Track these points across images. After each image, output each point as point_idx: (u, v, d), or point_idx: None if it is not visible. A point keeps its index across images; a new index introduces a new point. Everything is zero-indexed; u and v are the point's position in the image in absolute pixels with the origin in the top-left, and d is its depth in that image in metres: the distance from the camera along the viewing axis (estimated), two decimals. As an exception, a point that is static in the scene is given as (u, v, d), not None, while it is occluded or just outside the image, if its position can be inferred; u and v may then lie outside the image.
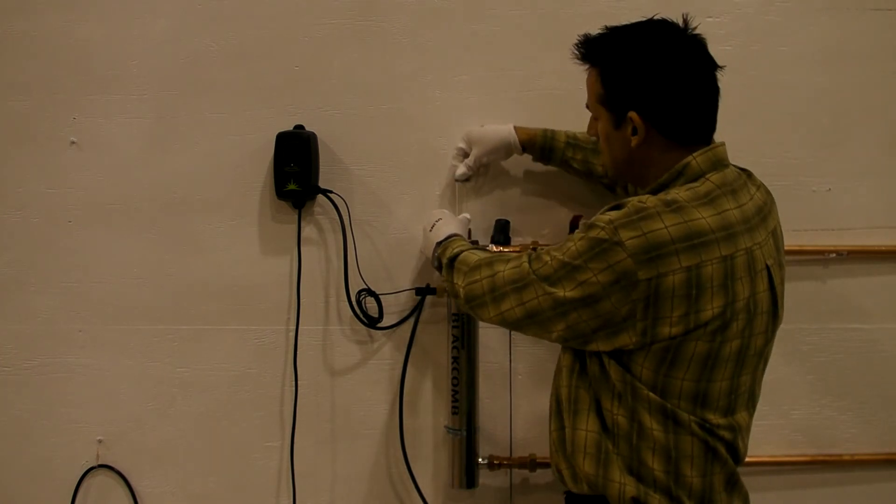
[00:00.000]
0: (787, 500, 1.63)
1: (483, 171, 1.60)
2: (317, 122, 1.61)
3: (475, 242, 1.55)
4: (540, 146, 1.51)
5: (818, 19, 1.59)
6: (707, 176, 1.13)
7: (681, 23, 1.17)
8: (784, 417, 1.61)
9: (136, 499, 1.65)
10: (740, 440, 1.17)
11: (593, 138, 1.26)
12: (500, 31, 1.60)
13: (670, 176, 1.15)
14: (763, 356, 1.18)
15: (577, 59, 1.22)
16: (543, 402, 1.31)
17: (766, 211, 1.19)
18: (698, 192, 1.11)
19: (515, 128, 1.52)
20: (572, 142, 1.51)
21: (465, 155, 1.55)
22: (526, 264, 1.17)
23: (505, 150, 1.53)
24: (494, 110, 1.60)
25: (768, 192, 1.24)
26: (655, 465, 1.12)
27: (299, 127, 1.60)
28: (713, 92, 1.17)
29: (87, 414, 1.65)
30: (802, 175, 1.60)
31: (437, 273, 1.59)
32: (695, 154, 1.14)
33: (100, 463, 1.65)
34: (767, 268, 1.13)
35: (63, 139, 1.64)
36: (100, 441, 1.65)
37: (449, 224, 1.44)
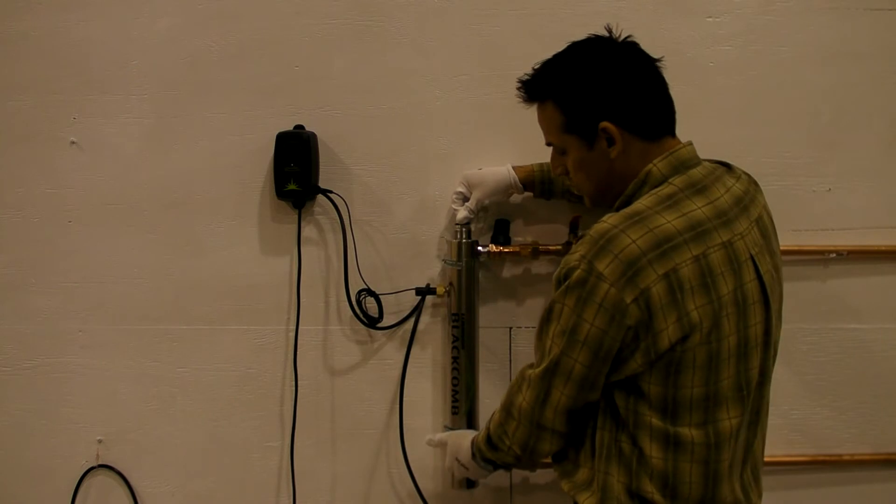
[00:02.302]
0: (787, 500, 1.63)
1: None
2: (317, 122, 1.61)
3: (475, 242, 1.55)
4: (539, 181, 1.50)
5: (818, 19, 1.59)
6: (670, 180, 1.14)
7: (607, 33, 1.20)
8: (783, 417, 1.61)
9: (136, 499, 1.65)
10: (759, 441, 1.20)
11: (559, 176, 1.26)
12: (500, 31, 1.60)
13: (635, 185, 1.16)
14: (769, 345, 1.17)
15: (526, 101, 1.24)
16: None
17: (746, 200, 1.18)
18: (661, 196, 1.12)
19: (513, 167, 1.51)
20: None
21: (465, 199, 1.53)
22: (532, 374, 1.18)
23: (506, 191, 1.52)
24: (494, 110, 1.60)
25: (751, 182, 1.23)
26: (653, 489, 1.13)
27: (299, 127, 1.60)
28: (662, 82, 1.19)
29: (86, 414, 1.65)
30: (802, 175, 1.60)
31: (436, 273, 1.60)
32: (655, 161, 1.15)
33: (100, 463, 1.65)
34: (752, 257, 1.13)
35: (63, 139, 1.63)
36: (100, 441, 1.65)
37: (460, 432, 1.49)
